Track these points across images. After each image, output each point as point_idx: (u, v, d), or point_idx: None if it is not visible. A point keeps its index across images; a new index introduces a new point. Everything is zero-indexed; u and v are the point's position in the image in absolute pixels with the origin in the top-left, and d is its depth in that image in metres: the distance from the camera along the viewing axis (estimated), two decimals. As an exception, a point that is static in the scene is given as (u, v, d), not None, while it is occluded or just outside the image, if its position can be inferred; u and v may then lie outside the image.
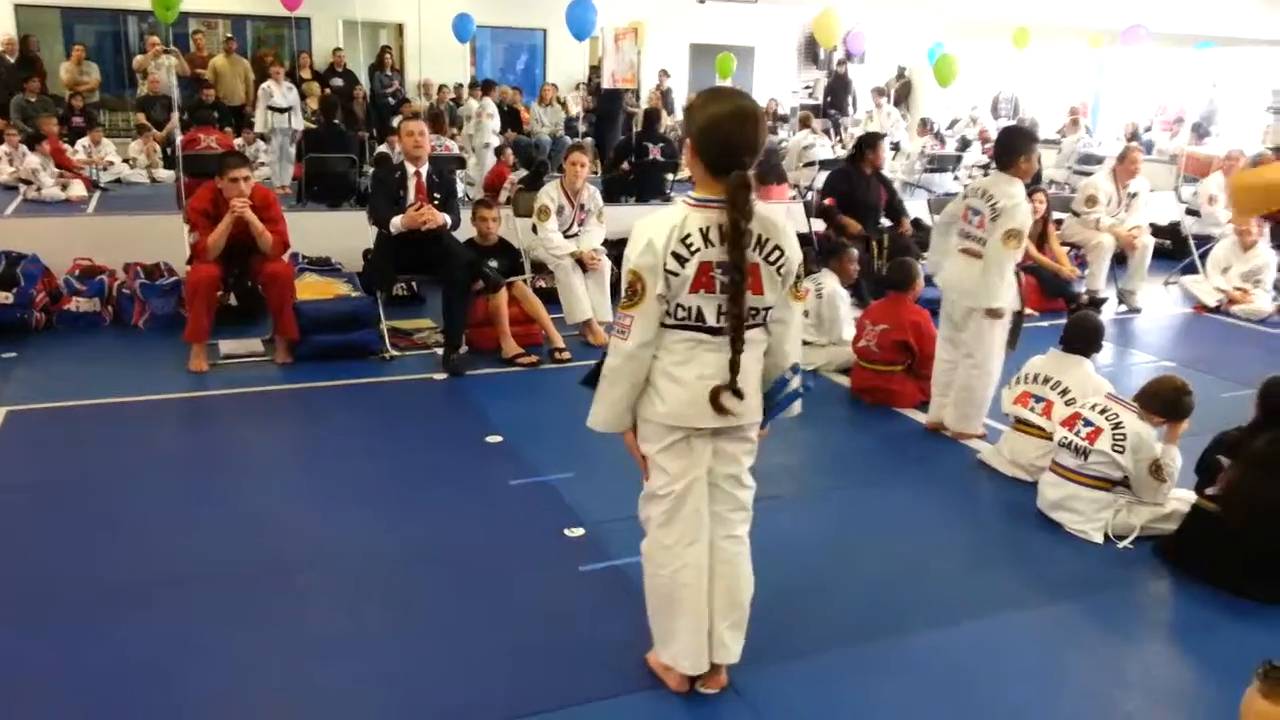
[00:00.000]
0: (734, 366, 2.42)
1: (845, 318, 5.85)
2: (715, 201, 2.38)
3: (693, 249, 2.37)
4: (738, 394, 2.45)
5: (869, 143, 7.46)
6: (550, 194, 6.39)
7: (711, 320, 2.43)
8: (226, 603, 3.15)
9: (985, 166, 13.50)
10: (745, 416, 2.53)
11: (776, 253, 2.46)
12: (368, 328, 5.78)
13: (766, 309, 2.50)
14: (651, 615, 2.72)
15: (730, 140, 2.36)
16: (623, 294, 2.44)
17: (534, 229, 6.42)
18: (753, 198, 2.35)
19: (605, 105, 10.60)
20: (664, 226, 2.39)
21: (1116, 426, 3.77)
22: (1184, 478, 3.83)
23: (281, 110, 11.03)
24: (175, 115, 7.59)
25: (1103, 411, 3.86)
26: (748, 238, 2.37)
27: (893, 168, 11.80)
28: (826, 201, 7.33)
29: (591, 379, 2.65)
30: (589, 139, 10.23)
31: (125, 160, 11.51)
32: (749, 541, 2.71)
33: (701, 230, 2.38)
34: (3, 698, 2.67)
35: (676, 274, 2.38)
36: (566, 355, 5.83)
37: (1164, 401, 3.84)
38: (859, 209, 7.24)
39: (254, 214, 5.38)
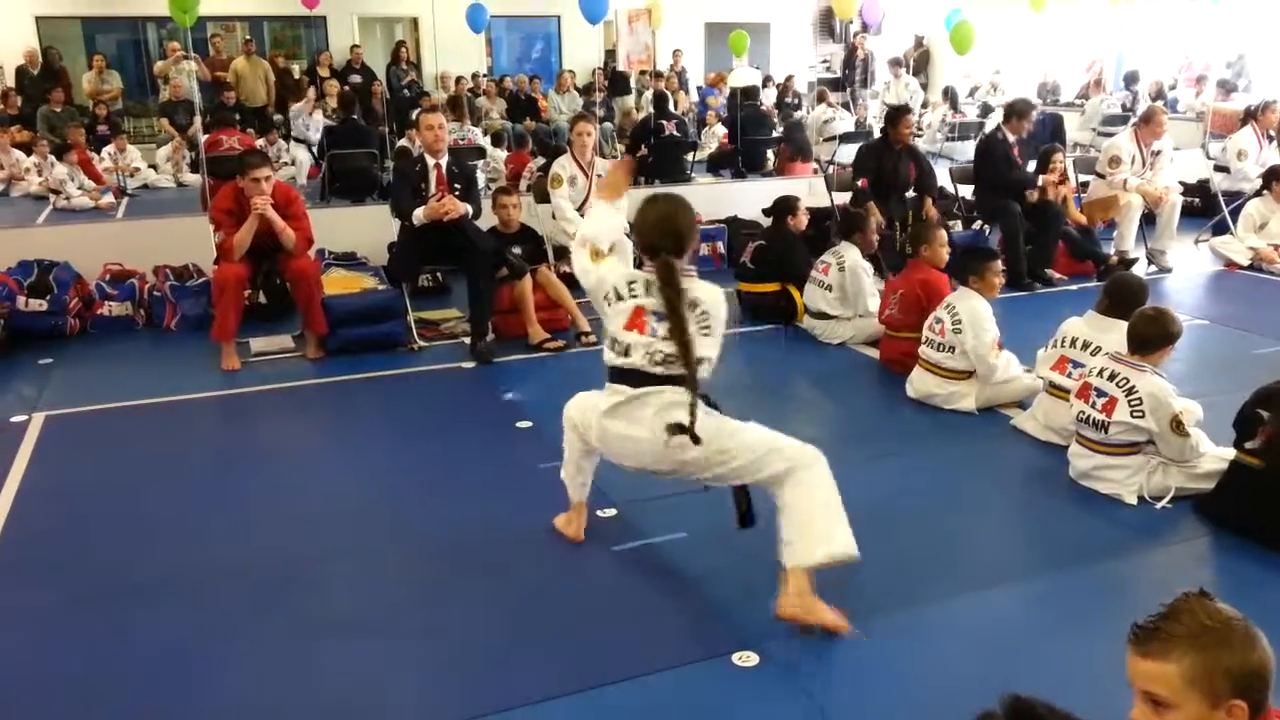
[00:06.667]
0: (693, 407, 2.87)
1: (869, 290, 5.81)
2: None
3: (634, 293, 2.98)
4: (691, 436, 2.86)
5: (891, 118, 7.28)
6: (563, 164, 6.45)
7: (637, 360, 2.92)
8: (262, 594, 3.21)
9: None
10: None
11: (704, 316, 2.94)
12: (395, 320, 5.83)
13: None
14: None
15: (651, 236, 2.97)
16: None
17: (547, 199, 6.48)
18: (677, 276, 2.90)
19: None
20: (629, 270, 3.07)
21: (1130, 392, 3.67)
22: (1223, 436, 3.77)
23: (300, 140, 11.20)
24: (197, 119, 7.63)
25: (1112, 377, 3.74)
26: (680, 302, 2.88)
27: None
28: (859, 183, 7.12)
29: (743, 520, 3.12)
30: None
31: (151, 165, 11.62)
32: None
33: (646, 282, 2.97)
34: (40, 687, 2.74)
35: (612, 303, 3.01)
36: (592, 338, 5.84)
37: (1156, 340, 3.75)
38: (886, 186, 7.13)
39: (276, 212, 5.43)
